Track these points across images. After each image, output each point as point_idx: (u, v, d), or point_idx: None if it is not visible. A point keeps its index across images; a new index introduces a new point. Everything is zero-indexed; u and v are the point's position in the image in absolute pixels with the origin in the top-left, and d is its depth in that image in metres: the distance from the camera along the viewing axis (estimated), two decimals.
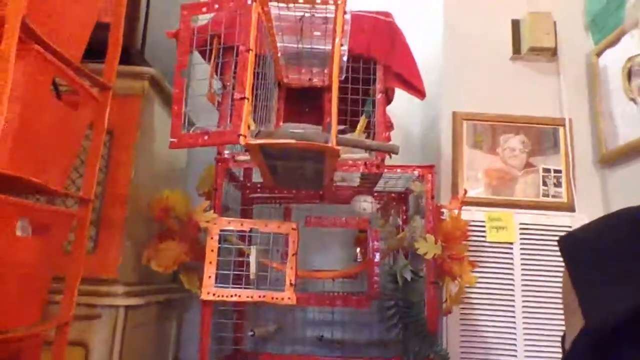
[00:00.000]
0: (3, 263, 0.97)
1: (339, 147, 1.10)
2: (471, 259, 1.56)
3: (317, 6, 1.22)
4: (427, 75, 1.78)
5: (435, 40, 2.09)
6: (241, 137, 1.07)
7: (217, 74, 1.54)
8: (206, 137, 1.15)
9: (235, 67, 1.15)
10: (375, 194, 1.84)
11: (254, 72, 1.14)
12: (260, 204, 1.98)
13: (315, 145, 1.08)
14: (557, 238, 0.84)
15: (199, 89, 1.31)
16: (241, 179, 1.87)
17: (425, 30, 2.16)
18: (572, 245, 0.82)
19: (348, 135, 1.60)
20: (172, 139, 1.17)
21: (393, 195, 1.90)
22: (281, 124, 1.77)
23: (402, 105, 1.95)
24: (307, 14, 1.27)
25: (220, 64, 1.45)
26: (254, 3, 1.09)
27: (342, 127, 1.86)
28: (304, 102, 1.83)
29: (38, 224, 1.09)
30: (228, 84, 1.51)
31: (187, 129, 1.20)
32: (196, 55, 1.45)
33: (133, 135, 1.56)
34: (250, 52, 1.10)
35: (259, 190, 1.92)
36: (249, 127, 1.13)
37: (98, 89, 1.24)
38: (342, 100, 1.58)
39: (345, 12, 1.20)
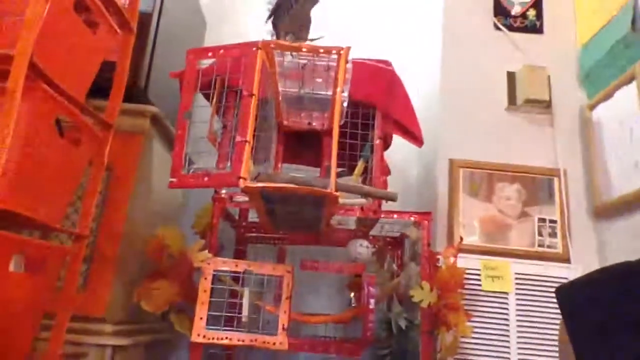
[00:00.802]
0: None
1: (338, 193, 1.10)
2: (466, 307, 1.55)
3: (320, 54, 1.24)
4: (425, 122, 1.81)
5: (433, 89, 2.13)
6: (241, 180, 1.08)
7: (217, 115, 1.55)
8: (206, 179, 1.16)
9: (237, 110, 1.16)
10: (371, 237, 1.83)
11: (255, 115, 1.15)
12: (255, 244, 1.97)
13: (315, 190, 1.08)
14: (553, 289, 0.84)
15: (200, 129, 1.33)
16: (237, 217, 1.86)
17: (423, 78, 2.21)
18: (570, 298, 0.82)
19: (346, 179, 1.61)
20: (172, 179, 1.18)
21: (389, 239, 1.90)
22: (279, 164, 1.78)
23: (399, 151, 1.97)
24: (309, 62, 1.29)
25: (222, 105, 1.47)
26: (259, 50, 1.12)
27: (339, 169, 1.87)
28: (301, 143, 1.85)
29: (32, 259, 1.08)
30: (228, 124, 1.53)
31: (187, 169, 1.21)
32: (198, 96, 1.47)
33: (132, 172, 1.55)
34: (253, 96, 1.12)
35: (254, 230, 1.91)
36: (248, 170, 1.14)
37: (100, 126, 1.25)
38: (341, 143, 1.60)
39: (347, 61, 1.23)
